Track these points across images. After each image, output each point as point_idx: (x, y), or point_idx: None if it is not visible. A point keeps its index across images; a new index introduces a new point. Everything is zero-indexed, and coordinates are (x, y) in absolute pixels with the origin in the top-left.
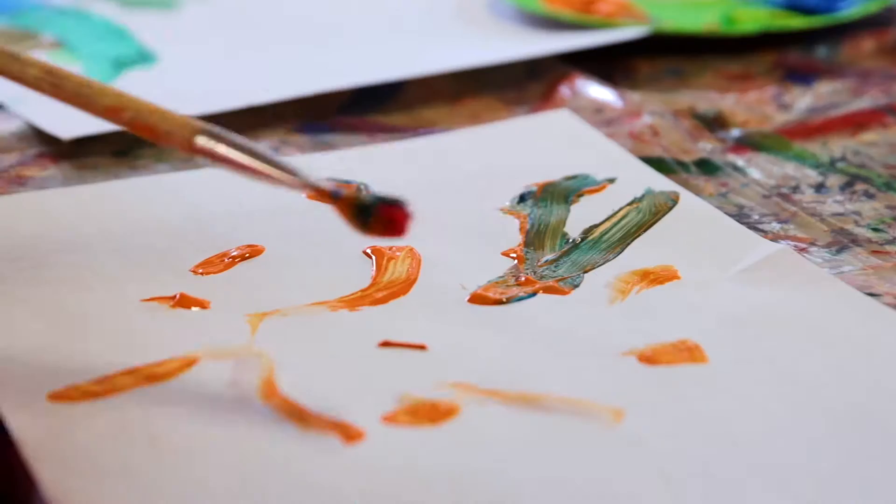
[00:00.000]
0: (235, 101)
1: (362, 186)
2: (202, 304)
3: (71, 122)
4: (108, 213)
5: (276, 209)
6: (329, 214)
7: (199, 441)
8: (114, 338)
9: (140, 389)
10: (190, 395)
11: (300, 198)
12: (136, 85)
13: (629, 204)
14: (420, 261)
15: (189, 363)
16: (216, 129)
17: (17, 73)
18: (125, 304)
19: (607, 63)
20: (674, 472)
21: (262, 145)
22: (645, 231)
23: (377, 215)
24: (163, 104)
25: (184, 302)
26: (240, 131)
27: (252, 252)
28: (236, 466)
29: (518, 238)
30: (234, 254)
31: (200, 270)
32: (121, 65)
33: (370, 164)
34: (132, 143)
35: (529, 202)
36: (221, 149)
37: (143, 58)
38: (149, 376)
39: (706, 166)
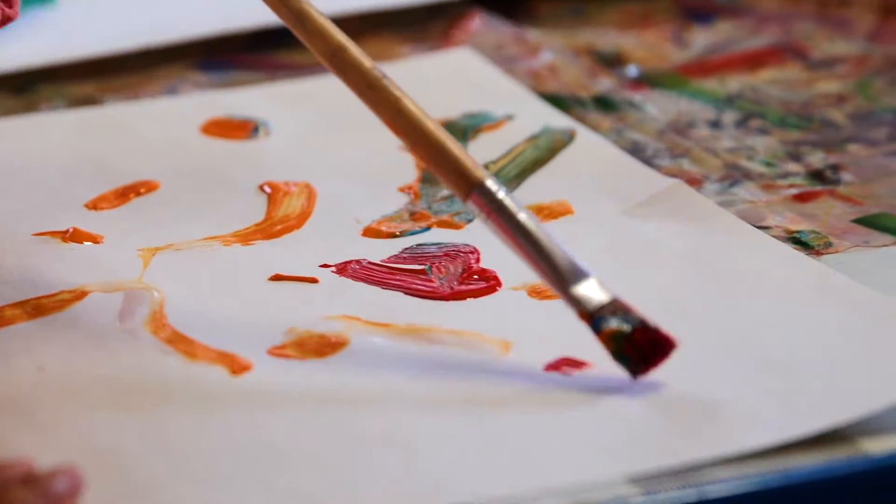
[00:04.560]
0: (136, 41)
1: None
2: (95, 239)
3: None
4: (3, 150)
5: (172, 145)
6: (225, 150)
7: (87, 372)
8: (4, 271)
9: (29, 322)
10: (79, 328)
11: (196, 134)
12: (35, 26)
13: (527, 140)
14: (315, 195)
15: (79, 296)
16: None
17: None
18: (17, 238)
19: (508, 2)
20: (560, 399)
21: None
22: (541, 167)
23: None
24: (63, 44)
25: (76, 236)
26: (138, 67)
27: (147, 188)
28: (123, 397)
29: (415, 174)
30: (129, 189)
31: (95, 206)
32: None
33: (271, 102)
34: (29, 80)
35: None
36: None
37: None
38: (38, 308)
39: (603, 103)
